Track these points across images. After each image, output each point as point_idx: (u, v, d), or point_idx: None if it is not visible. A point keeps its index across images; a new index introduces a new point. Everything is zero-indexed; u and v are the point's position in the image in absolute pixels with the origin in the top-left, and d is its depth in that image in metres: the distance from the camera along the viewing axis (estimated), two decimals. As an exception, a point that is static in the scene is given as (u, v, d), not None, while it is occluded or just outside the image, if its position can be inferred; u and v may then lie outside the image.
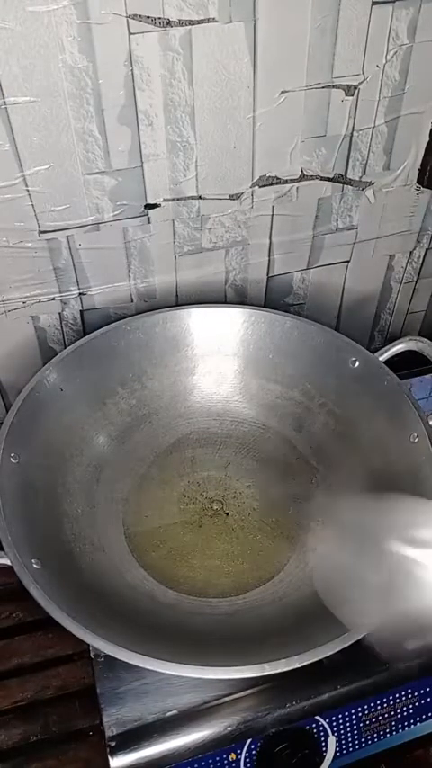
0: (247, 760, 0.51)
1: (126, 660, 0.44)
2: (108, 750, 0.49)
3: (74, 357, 0.61)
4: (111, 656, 0.44)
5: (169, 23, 0.49)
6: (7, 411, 0.56)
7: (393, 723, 0.54)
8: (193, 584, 0.56)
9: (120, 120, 0.53)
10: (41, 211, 0.57)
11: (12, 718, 0.58)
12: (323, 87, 0.57)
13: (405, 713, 0.54)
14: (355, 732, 0.53)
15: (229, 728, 0.50)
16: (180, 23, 0.50)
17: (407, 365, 0.68)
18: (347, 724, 0.53)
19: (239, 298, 0.72)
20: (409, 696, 0.54)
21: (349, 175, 0.64)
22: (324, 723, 0.53)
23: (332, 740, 0.53)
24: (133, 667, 0.44)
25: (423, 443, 0.56)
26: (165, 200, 0.60)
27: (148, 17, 0.49)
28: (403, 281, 0.78)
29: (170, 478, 0.64)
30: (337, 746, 0.53)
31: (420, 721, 0.55)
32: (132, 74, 0.51)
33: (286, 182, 0.63)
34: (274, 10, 0.51)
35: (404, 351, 0.63)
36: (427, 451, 0.56)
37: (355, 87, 0.58)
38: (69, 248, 0.61)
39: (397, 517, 0.43)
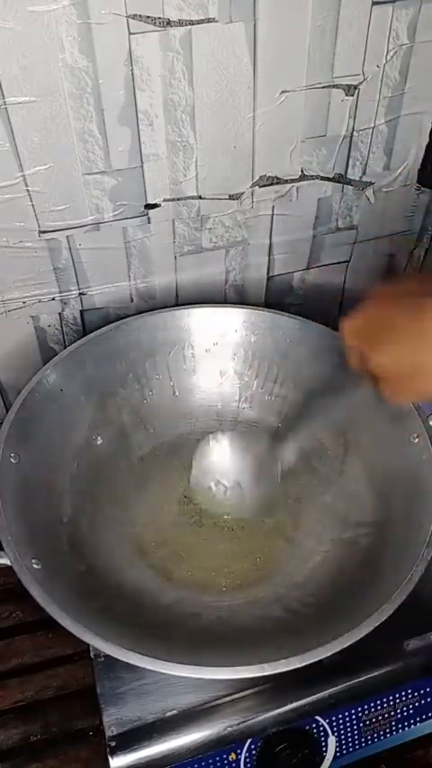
0: (247, 760, 0.51)
1: (126, 660, 0.44)
2: (108, 750, 0.49)
3: (74, 357, 0.61)
4: (111, 656, 0.44)
5: (169, 23, 0.49)
6: (7, 411, 0.56)
7: (393, 723, 0.54)
8: (193, 584, 0.56)
9: (120, 120, 0.53)
10: (41, 211, 0.57)
11: (12, 718, 0.58)
12: (323, 87, 0.57)
13: (405, 713, 0.54)
14: (355, 732, 0.53)
15: (229, 728, 0.50)
16: (180, 23, 0.50)
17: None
18: (347, 724, 0.53)
19: (239, 298, 0.72)
20: (409, 696, 0.54)
21: (349, 175, 0.64)
22: (324, 723, 0.53)
23: (332, 740, 0.53)
24: (133, 667, 0.44)
25: (423, 443, 0.56)
26: (165, 200, 0.60)
27: (148, 17, 0.49)
28: (403, 281, 0.78)
29: (170, 479, 0.64)
30: (337, 746, 0.53)
31: (420, 721, 0.55)
32: (132, 74, 0.51)
33: (286, 182, 0.63)
34: (274, 10, 0.51)
35: (404, 351, 0.63)
36: (427, 451, 0.56)
37: (355, 87, 0.58)
38: (69, 248, 0.61)
39: None
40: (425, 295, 0.45)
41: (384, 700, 0.54)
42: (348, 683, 0.52)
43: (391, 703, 0.54)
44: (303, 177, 0.63)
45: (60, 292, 0.64)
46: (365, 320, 0.48)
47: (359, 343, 0.48)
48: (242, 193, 0.62)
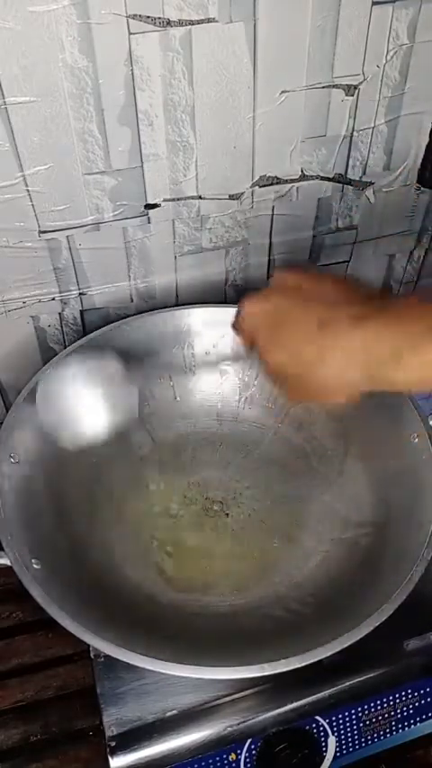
0: (247, 760, 0.51)
1: (126, 660, 0.44)
2: (108, 750, 0.49)
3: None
4: (111, 656, 0.44)
5: (169, 23, 0.49)
6: (7, 411, 0.56)
7: (393, 723, 0.54)
8: (193, 584, 0.56)
9: (120, 120, 0.53)
10: (41, 211, 0.57)
11: (12, 718, 0.58)
12: (323, 87, 0.57)
13: (405, 713, 0.54)
14: (355, 732, 0.53)
15: (229, 728, 0.50)
16: (180, 23, 0.50)
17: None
18: (347, 724, 0.53)
19: (239, 298, 0.72)
20: (409, 696, 0.54)
21: (349, 175, 0.64)
22: (324, 723, 0.53)
23: (332, 740, 0.53)
24: (133, 667, 0.44)
25: (423, 443, 0.56)
26: (165, 200, 0.60)
27: (148, 17, 0.49)
28: (403, 281, 0.78)
29: (170, 479, 0.64)
30: (337, 746, 0.53)
31: (420, 721, 0.55)
32: (132, 74, 0.51)
33: (286, 182, 0.63)
34: (274, 10, 0.51)
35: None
36: (427, 451, 0.56)
37: (355, 87, 0.58)
38: (69, 248, 0.61)
39: None
40: (335, 298, 0.44)
41: (384, 700, 0.54)
42: (348, 683, 0.52)
43: (391, 703, 0.54)
44: (303, 177, 0.63)
45: (60, 292, 0.64)
46: (266, 310, 0.47)
47: (255, 334, 0.47)
48: (242, 193, 0.62)
